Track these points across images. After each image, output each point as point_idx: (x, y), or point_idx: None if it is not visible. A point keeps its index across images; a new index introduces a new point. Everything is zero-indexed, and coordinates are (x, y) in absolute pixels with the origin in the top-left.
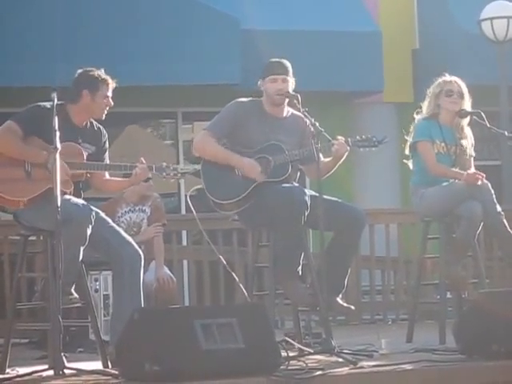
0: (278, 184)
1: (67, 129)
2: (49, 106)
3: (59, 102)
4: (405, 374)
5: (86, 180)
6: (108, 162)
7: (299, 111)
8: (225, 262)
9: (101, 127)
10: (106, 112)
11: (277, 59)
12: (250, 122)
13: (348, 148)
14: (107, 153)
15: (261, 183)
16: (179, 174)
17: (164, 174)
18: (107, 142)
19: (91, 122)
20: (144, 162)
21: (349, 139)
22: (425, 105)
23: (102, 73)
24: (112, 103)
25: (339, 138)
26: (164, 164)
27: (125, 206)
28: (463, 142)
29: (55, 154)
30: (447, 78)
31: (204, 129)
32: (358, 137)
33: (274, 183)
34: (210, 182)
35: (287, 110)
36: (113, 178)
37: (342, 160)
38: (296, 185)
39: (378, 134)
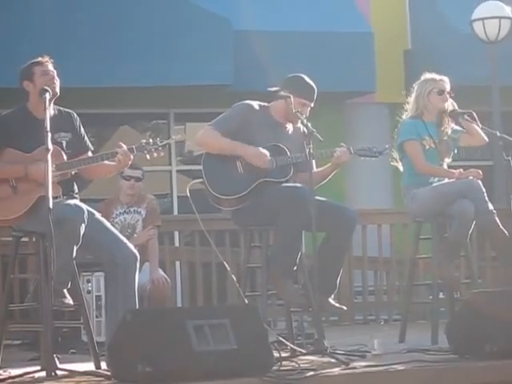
0: (280, 184)
1: (34, 127)
2: (7, 112)
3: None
4: (397, 375)
5: (73, 176)
6: (91, 146)
7: (292, 112)
8: (226, 265)
9: (70, 111)
10: (55, 85)
11: (310, 81)
12: (255, 126)
13: (350, 156)
14: (86, 137)
15: (263, 182)
16: (160, 148)
17: (145, 151)
18: (82, 126)
19: (58, 110)
20: (123, 146)
21: (351, 147)
22: (411, 103)
23: (34, 59)
24: (56, 77)
25: (342, 145)
26: (143, 141)
27: (120, 207)
28: (446, 137)
29: (47, 155)
30: (435, 76)
31: (209, 124)
32: (359, 145)
33: (276, 183)
34: (210, 176)
35: None
36: (98, 164)
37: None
38: (301, 185)
39: (378, 144)
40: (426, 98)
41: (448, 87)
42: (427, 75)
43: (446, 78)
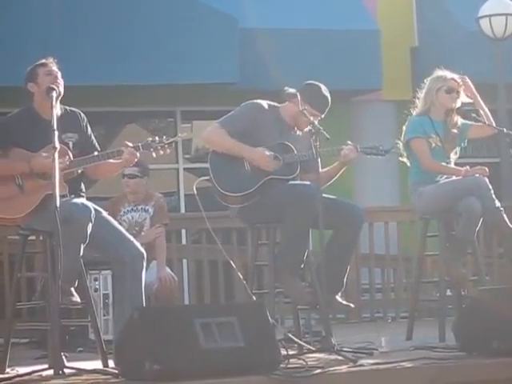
0: (287, 182)
1: (40, 128)
2: (13, 113)
3: (27, 106)
4: (404, 372)
5: (80, 175)
6: (97, 147)
7: (301, 116)
8: (232, 263)
9: (76, 110)
10: (59, 85)
11: (326, 92)
12: (263, 126)
13: (357, 154)
14: (93, 137)
15: (269, 180)
16: (166, 145)
17: (151, 149)
18: (89, 126)
19: (65, 109)
20: (130, 144)
21: (358, 146)
22: (421, 98)
23: (38, 61)
24: (60, 78)
25: (349, 142)
26: (149, 139)
27: (127, 205)
28: (454, 136)
29: (54, 153)
30: (447, 74)
31: (217, 122)
32: (366, 144)
33: (283, 181)
34: (217, 173)
35: None
36: (105, 162)
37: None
38: (308, 183)
39: (385, 142)
40: (434, 95)
41: (458, 86)
42: (439, 72)
43: (457, 77)
